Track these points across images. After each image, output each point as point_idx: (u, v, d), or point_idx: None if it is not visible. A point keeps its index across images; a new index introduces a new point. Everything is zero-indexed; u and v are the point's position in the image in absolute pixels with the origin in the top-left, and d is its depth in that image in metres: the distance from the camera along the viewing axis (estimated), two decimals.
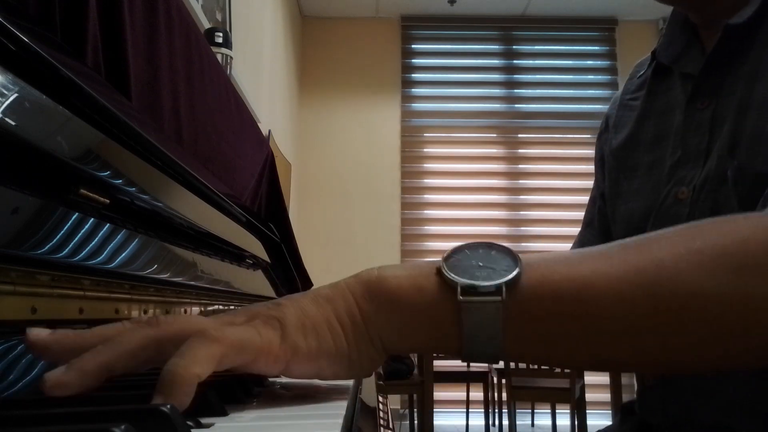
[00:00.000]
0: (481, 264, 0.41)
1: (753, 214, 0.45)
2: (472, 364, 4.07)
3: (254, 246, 1.25)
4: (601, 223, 0.84)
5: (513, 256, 0.42)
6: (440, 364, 3.75)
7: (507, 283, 0.40)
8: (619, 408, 2.89)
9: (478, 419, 4.04)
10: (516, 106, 4.82)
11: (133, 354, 0.37)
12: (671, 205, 0.68)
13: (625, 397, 3.11)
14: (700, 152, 0.66)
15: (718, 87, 0.66)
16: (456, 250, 0.43)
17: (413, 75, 4.82)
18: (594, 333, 0.41)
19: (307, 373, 0.41)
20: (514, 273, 0.40)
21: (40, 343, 0.37)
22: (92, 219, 0.52)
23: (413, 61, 4.84)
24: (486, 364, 4.06)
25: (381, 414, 0.45)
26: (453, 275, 0.41)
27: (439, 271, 0.42)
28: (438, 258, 0.42)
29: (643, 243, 0.43)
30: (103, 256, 0.53)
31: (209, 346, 0.37)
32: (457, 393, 4.13)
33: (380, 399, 0.50)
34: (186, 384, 0.35)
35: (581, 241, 0.88)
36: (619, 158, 0.78)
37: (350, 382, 0.53)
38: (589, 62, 4.92)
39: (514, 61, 4.89)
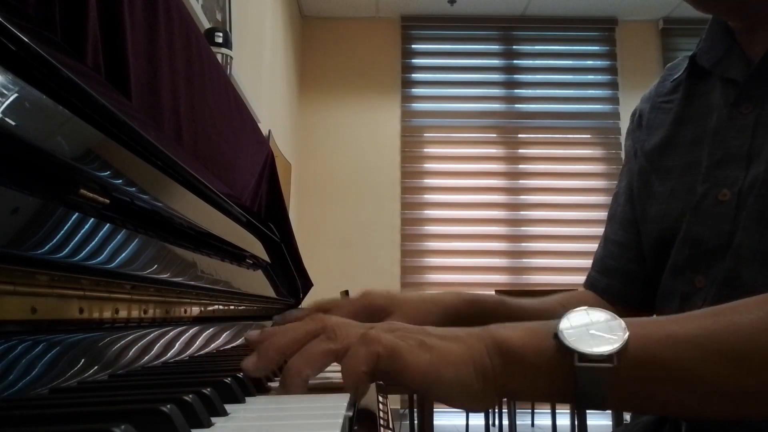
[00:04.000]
0: (592, 332, 0.48)
1: None
2: None
3: (254, 246, 1.25)
4: (631, 215, 0.84)
5: (619, 323, 0.48)
6: None
7: (617, 353, 0.46)
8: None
9: (478, 419, 4.03)
10: (516, 106, 4.82)
11: (320, 364, 0.49)
12: (712, 205, 0.69)
13: None
14: (742, 155, 0.67)
15: (764, 94, 0.67)
16: (569, 315, 0.49)
17: (413, 75, 4.82)
18: (687, 392, 0.47)
19: (441, 398, 0.48)
20: (624, 341, 0.46)
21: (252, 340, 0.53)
22: (92, 219, 0.52)
23: (413, 61, 4.83)
24: None
25: (381, 414, 0.45)
26: (568, 342, 0.47)
27: (555, 335, 0.48)
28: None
29: (721, 311, 0.49)
30: (103, 256, 0.53)
31: (369, 346, 0.47)
32: None
33: (380, 399, 0.50)
34: (359, 380, 0.46)
35: (607, 237, 0.88)
36: (653, 160, 0.79)
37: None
38: (589, 62, 4.92)
39: (514, 61, 4.89)
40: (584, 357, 0.46)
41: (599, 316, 0.49)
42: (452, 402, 0.49)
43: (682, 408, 0.48)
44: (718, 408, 0.47)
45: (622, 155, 0.90)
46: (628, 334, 0.46)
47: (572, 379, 0.46)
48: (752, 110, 0.68)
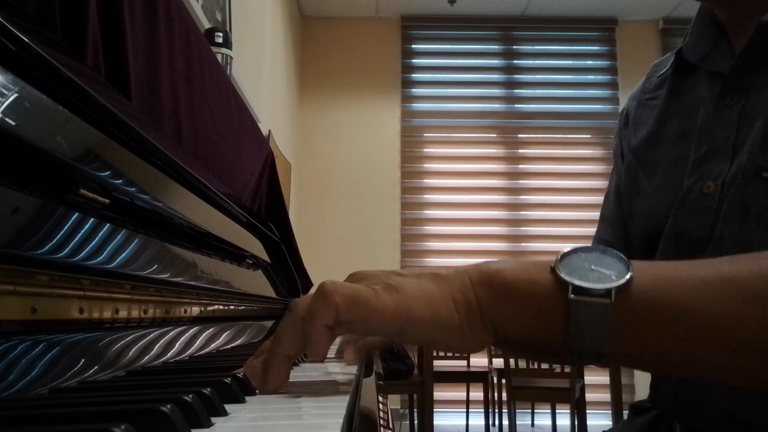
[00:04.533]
0: (593, 267, 0.44)
1: None
2: (472, 364, 4.08)
3: (254, 246, 1.25)
4: (619, 214, 0.85)
5: (625, 262, 0.44)
6: (440, 364, 3.75)
7: (618, 288, 0.42)
8: (619, 408, 2.89)
9: (478, 419, 4.03)
10: (516, 106, 4.82)
11: (288, 341, 0.46)
12: (696, 198, 0.69)
13: (625, 398, 3.11)
14: (727, 147, 0.67)
15: (748, 84, 0.67)
16: (571, 252, 0.45)
17: (413, 75, 4.82)
18: (695, 341, 0.42)
19: (420, 340, 0.45)
20: (626, 279, 0.42)
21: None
22: (92, 219, 0.52)
23: (413, 61, 4.84)
24: (486, 364, 4.07)
25: (381, 414, 0.45)
26: (565, 275, 0.43)
27: (552, 270, 0.44)
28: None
29: (743, 257, 0.44)
30: (103, 256, 0.53)
31: (325, 299, 0.43)
32: (457, 393, 4.13)
33: (380, 399, 0.50)
34: (317, 333, 0.44)
35: (598, 237, 0.89)
36: (640, 156, 0.79)
37: (350, 384, 0.53)
38: (589, 62, 4.92)
39: (514, 61, 4.89)
40: (580, 290, 0.42)
41: (606, 253, 0.45)
42: (434, 342, 0.45)
43: (686, 361, 0.43)
44: (729, 361, 0.42)
45: (613, 146, 0.91)
46: (632, 270, 0.43)
47: (566, 315, 0.42)
48: (737, 102, 0.67)
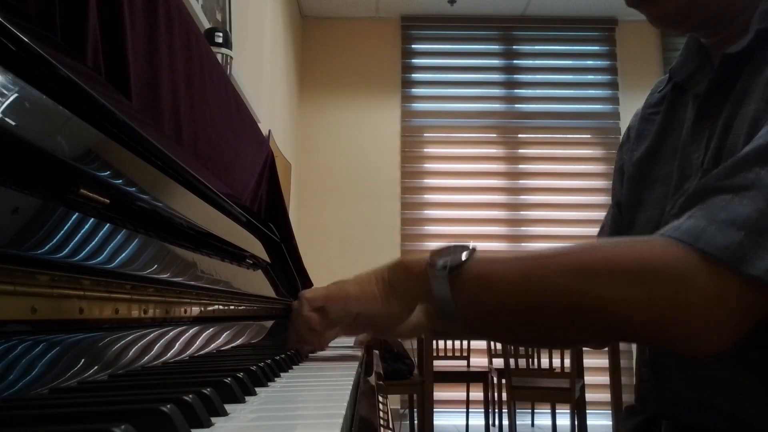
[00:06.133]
0: (453, 253, 0.62)
1: (640, 237, 0.59)
2: (471, 364, 4.08)
3: (254, 246, 1.25)
4: (613, 231, 0.89)
5: (472, 248, 0.62)
6: (440, 364, 3.76)
7: (451, 266, 0.61)
8: (619, 408, 2.89)
9: (478, 419, 4.03)
10: (516, 106, 4.82)
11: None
12: (675, 215, 0.71)
13: (625, 398, 3.11)
14: (697, 167, 0.71)
15: (718, 108, 0.70)
16: (445, 247, 0.64)
17: (413, 75, 4.82)
18: (527, 307, 0.59)
19: (356, 309, 0.75)
20: (460, 260, 0.61)
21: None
22: (92, 219, 0.52)
23: (413, 61, 4.84)
24: (486, 364, 4.07)
25: (381, 414, 0.45)
26: (428, 257, 0.64)
27: (430, 258, 0.63)
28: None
29: (545, 252, 0.60)
30: (103, 256, 0.53)
31: (303, 302, 0.79)
32: (457, 393, 4.13)
33: (380, 399, 0.50)
34: (306, 317, 0.78)
35: None
36: (641, 169, 0.82)
37: (350, 384, 0.53)
38: (589, 62, 4.92)
39: (514, 61, 4.89)
40: (434, 265, 0.62)
41: (464, 248, 0.62)
42: (364, 308, 0.73)
43: (521, 324, 0.60)
44: (556, 321, 0.57)
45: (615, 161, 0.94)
46: (471, 252, 0.61)
47: (429, 285, 0.61)
48: (710, 124, 0.71)
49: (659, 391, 0.76)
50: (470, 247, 0.62)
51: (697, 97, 0.75)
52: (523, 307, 0.58)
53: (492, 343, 3.96)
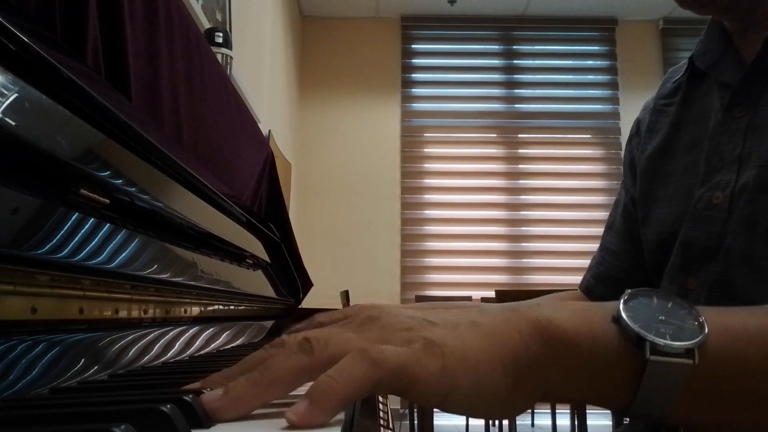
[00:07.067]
0: (662, 318, 0.39)
1: None
2: None
3: (254, 246, 1.25)
4: (625, 226, 0.85)
5: (694, 312, 0.40)
6: None
7: (700, 345, 0.37)
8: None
9: (477, 419, 4.03)
10: (516, 106, 4.82)
11: (287, 382, 0.37)
12: (705, 208, 0.69)
13: None
14: (733, 159, 0.67)
15: (756, 97, 0.67)
16: (632, 297, 0.40)
17: (413, 75, 4.82)
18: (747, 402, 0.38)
19: (461, 412, 0.38)
20: (705, 333, 0.38)
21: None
22: (92, 219, 0.52)
23: (413, 61, 4.83)
24: None
25: (381, 414, 0.45)
26: (639, 328, 0.38)
27: (615, 319, 0.39)
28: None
29: None
30: (103, 256, 0.53)
31: (368, 369, 0.35)
32: None
33: (380, 399, 0.50)
34: (339, 401, 0.34)
35: (603, 246, 0.89)
36: (654, 164, 0.79)
37: None
38: (589, 62, 4.92)
39: (514, 61, 4.89)
40: (658, 349, 0.37)
41: (669, 299, 0.40)
42: (472, 413, 0.39)
43: (753, 425, 0.39)
44: None
45: (623, 155, 0.91)
46: (707, 324, 0.38)
47: (637, 377, 0.37)
48: (745, 114, 0.68)
49: None
50: (692, 311, 0.40)
51: (723, 85, 0.71)
52: None
53: None
